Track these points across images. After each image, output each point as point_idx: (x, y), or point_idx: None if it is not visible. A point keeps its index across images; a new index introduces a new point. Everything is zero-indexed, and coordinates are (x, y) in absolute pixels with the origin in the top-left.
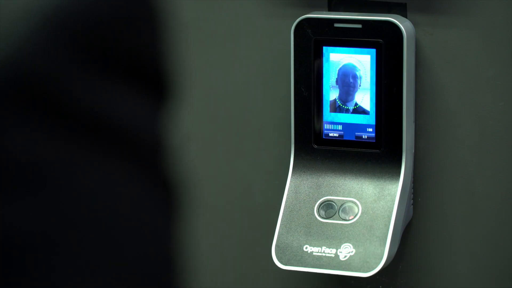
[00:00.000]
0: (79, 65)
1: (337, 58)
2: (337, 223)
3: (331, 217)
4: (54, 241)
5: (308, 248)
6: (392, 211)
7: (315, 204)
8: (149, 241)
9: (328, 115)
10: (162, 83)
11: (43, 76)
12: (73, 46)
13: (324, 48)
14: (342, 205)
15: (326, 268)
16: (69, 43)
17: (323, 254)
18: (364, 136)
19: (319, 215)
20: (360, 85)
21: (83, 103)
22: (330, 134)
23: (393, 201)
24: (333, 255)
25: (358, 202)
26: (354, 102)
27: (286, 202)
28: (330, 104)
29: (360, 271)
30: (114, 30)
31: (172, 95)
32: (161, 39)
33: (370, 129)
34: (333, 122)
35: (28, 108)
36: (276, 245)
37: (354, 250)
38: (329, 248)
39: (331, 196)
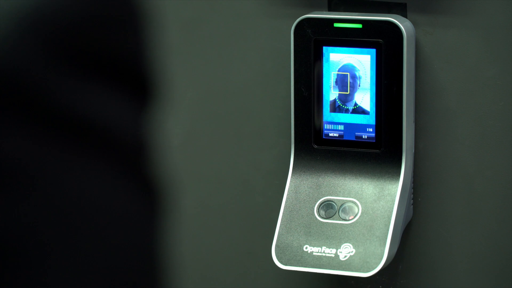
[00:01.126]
0: (61, 66)
1: (337, 58)
2: (337, 223)
3: (331, 217)
4: (39, 242)
5: (308, 248)
6: (392, 211)
7: (315, 204)
8: (139, 242)
9: (328, 115)
10: (146, 84)
11: (24, 77)
12: (54, 47)
13: (324, 48)
14: (342, 205)
15: (326, 268)
16: (50, 45)
17: (323, 254)
18: (364, 136)
19: (319, 215)
20: (359, 85)
21: (65, 105)
22: (330, 134)
23: (393, 201)
24: (333, 255)
25: (358, 202)
26: (354, 102)
27: (286, 202)
28: (330, 104)
29: (360, 271)
30: (96, 32)
31: (158, 95)
32: (145, 40)
33: (370, 129)
34: (333, 122)
35: (8, 110)
36: (276, 245)
37: (354, 250)
38: (329, 248)
39: (331, 196)
